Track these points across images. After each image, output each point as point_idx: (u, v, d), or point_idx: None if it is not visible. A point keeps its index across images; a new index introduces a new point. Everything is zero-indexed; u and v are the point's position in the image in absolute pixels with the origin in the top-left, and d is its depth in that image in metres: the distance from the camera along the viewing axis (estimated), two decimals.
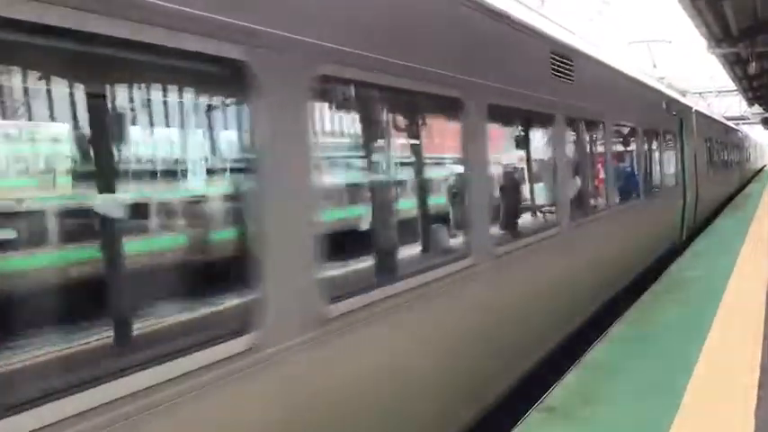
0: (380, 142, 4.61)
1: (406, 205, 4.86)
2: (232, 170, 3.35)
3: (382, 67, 4.05)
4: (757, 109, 44.28)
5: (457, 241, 5.19)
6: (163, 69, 2.85)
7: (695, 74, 41.58)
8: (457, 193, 5.21)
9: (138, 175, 2.95)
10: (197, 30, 2.76)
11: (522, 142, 7.02)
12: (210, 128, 3.23)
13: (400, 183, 4.86)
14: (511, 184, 6.55)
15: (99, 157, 2.75)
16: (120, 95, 2.84)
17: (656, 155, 12.60)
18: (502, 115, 5.97)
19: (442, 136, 5.31)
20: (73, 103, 2.63)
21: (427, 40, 4.66)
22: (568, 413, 5.09)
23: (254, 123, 3.10)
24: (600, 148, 9.11)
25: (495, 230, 5.68)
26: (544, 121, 7.00)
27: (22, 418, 2.16)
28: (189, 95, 3.14)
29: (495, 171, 5.96)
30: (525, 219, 6.92)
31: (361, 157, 4.46)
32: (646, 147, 11.72)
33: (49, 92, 2.61)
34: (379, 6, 4.18)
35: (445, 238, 5.26)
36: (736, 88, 36.14)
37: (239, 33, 2.97)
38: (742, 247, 12.89)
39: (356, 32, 3.87)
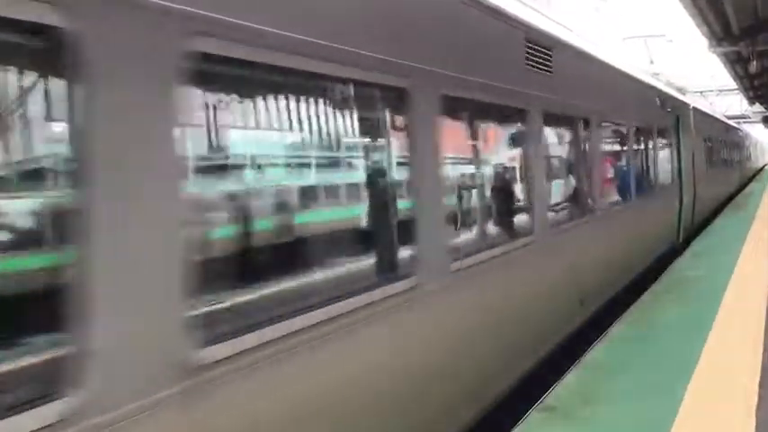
0: (289, 138, 3.72)
1: (327, 216, 3.93)
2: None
3: (282, 44, 3.22)
4: (758, 108, 44.32)
5: (395, 257, 4.31)
6: None
7: (696, 73, 41.64)
8: (397, 199, 4.38)
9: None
10: None
11: (487, 139, 6.18)
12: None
13: (319, 189, 3.92)
14: (473, 187, 5.65)
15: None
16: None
17: (650, 154, 12.12)
18: (460, 109, 5.21)
19: (378, 130, 4.36)
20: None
21: (361, 18, 3.91)
22: (568, 413, 5.08)
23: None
24: (584, 147, 8.38)
25: (451, 242, 4.87)
26: (515, 116, 6.23)
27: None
28: None
29: (452, 173, 5.17)
30: (492, 227, 6.00)
31: (256, 160, 3.51)
32: (637, 145, 11.19)
33: None
34: None
35: (382, 254, 4.29)
36: (737, 87, 36.13)
37: None
38: (743, 247, 12.87)
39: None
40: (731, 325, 7.35)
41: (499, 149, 6.28)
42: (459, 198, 5.36)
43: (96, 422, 2.27)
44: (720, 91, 45.18)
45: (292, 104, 3.63)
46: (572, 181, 8.14)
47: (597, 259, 8.36)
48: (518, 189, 6.48)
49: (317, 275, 3.69)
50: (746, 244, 13.29)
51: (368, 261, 4.19)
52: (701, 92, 41.58)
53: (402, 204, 4.37)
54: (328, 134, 3.91)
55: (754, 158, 49.23)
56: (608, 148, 9.84)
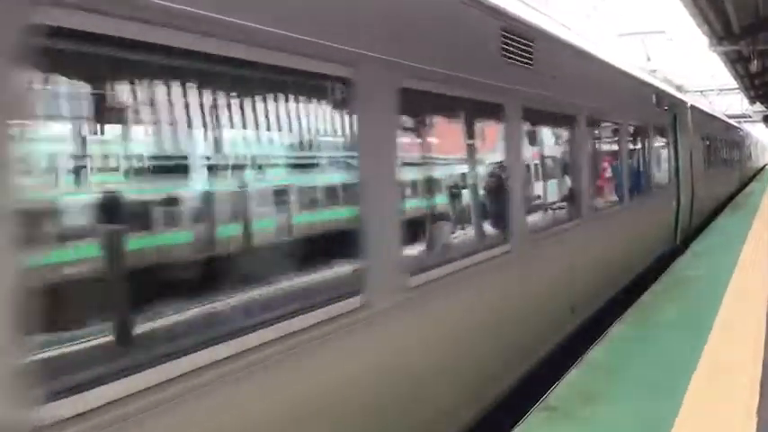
0: (210, 135, 3.08)
1: (249, 227, 3.33)
2: None
3: (207, 28, 2.74)
4: (759, 107, 44.27)
5: (334, 274, 3.72)
6: None
7: (696, 72, 41.53)
8: (343, 205, 3.94)
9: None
10: None
11: (456, 137, 5.53)
12: None
13: (235, 195, 3.24)
14: (437, 191, 5.08)
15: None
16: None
17: (645, 153, 11.74)
18: (422, 102, 4.67)
19: (319, 126, 3.83)
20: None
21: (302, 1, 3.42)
22: (569, 413, 5.08)
23: None
24: (571, 146, 7.83)
25: (408, 254, 4.27)
26: (488, 111, 5.67)
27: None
28: None
29: (416, 175, 4.69)
30: (458, 236, 5.42)
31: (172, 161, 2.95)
32: (631, 144, 10.72)
33: None
34: None
35: (321, 269, 3.69)
36: (737, 86, 36.09)
37: None
38: (743, 247, 12.88)
39: None
40: (731, 325, 7.35)
41: (470, 148, 5.65)
42: (430, 205, 4.87)
43: None
44: (721, 90, 45.13)
45: (177, 97, 2.84)
46: (558, 183, 7.70)
47: (587, 265, 7.97)
48: (494, 192, 5.85)
49: (227, 300, 3.01)
50: (747, 244, 13.30)
51: (302, 279, 3.51)
52: (702, 91, 41.56)
53: (348, 212, 3.84)
54: (244, 128, 3.23)
55: (754, 158, 49.22)
56: (599, 147, 9.40)
